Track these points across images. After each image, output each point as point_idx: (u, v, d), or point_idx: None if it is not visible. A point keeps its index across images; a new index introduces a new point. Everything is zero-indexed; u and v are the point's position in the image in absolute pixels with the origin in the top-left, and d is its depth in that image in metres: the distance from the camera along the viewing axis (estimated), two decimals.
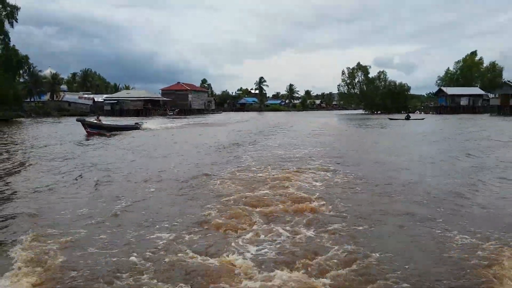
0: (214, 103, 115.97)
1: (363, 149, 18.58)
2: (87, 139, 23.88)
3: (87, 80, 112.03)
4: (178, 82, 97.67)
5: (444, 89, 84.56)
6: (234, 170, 11.61)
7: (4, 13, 48.82)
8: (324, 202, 7.72)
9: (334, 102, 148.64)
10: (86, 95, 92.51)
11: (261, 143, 20.60)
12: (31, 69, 73.45)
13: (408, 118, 48.95)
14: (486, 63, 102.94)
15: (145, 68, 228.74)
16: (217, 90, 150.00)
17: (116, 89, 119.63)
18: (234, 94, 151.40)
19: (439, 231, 6.12)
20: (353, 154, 16.55)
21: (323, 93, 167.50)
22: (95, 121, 28.56)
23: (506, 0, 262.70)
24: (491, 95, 73.88)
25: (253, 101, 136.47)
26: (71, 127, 34.36)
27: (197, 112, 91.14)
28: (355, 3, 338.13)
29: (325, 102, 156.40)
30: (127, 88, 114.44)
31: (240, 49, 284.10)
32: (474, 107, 77.58)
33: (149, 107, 79.87)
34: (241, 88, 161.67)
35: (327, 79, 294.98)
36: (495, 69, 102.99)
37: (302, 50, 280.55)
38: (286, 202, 7.75)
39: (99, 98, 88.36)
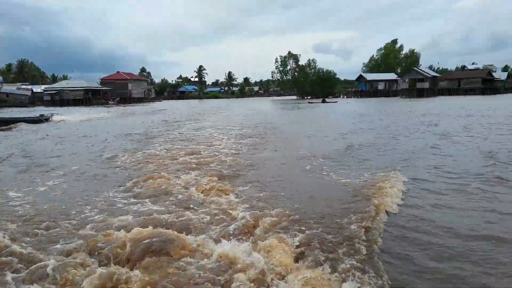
0: (154, 91, 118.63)
1: (273, 122, 24.62)
2: None
3: (24, 71, 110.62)
4: (118, 71, 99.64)
5: (363, 75, 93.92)
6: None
7: None
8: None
9: (272, 89, 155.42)
10: (24, 86, 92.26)
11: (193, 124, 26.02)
12: None
13: (324, 101, 56.75)
14: (406, 50, 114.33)
15: (81, 56, 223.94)
16: (157, 78, 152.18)
17: (54, 79, 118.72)
18: (173, 82, 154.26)
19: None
20: (268, 127, 22.43)
21: (261, 79, 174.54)
22: None
23: None
24: (401, 80, 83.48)
25: (193, 89, 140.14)
26: None
27: (137, 100, 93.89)
28: None
29: (263, 88, 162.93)
30: (65, 78, 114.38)
31: (181, 36, 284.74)
32: (390, 91, 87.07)
33: (89, 97, 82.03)
34: (180, 76, 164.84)
35: (268, 65, 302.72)
36: (413, 56, 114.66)
37: (244, 37, 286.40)
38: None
39: (37, 89, 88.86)
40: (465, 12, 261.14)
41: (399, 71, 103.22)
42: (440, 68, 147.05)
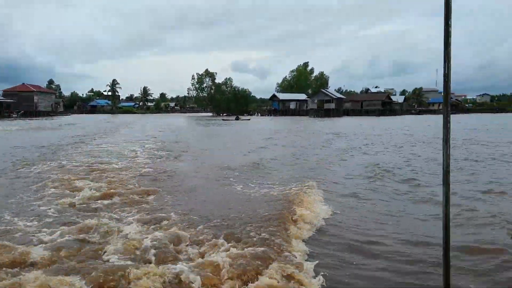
0: (63, 105, 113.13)
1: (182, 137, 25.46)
2: None
3: None
4: (23, 83, 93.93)
5: (276, 94, 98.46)
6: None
7: None
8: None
9: (188, 105, 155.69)
10: None
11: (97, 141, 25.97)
12: None
13: (237, 118, 58.78)
14: (316, 72, 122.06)
15: None
16: (67, 91, 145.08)
17: None
18: (84, 95, 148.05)
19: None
20: (175, 141, 23.18)
21: (178, 96, 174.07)
22: None
23: (345, 16, 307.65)
24: (310, 101, 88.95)
25: (106, 103, 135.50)
26: None
27: (44, 114, 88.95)
28: (216, 8, 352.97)
29: (180, 104, 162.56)
30: None
31: (93, 48, 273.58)
32: (300, 110, 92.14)
33: None
34: (92, 89, 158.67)
35: (186, 82, 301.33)
36: (323, 78, 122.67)
37: (161, 52, 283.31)
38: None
39: None
40: (371, 40, 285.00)
41: (309, 92, 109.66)
42: (348, 90, 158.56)
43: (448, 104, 1.99)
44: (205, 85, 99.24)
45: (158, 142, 22.69)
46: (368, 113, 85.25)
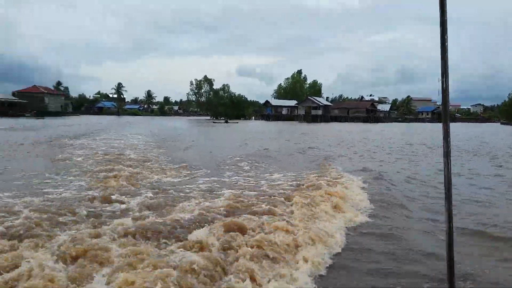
0: (72, 106, 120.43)
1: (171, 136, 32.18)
2: None
3: None
4: (34, 85, 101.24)
5: (270, 100, 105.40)
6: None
7: None
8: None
9: (191, 109, 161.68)
10: None
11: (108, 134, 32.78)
12: None
13: (226, 121, 65.93)
14: (309, 80, 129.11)
15: None
16: (74, 92, 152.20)
17: None
18: (91, 97, 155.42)
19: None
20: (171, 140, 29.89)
21: (181, 99, 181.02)
22: None
23: (345, 23, 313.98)
24: (300, 107, 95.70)
25: (112, 105, 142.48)
26: None
27: (54, 114, 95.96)
28: (219, 12, 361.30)
29: (183, 108, 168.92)
30: None
31: (99, 50, 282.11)
32: (292, 115, 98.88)
33: (5, 109, 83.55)
34: (99, 92, 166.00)
35: (188, 85, 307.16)
36: (316, 86, 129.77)
37: (166, 55, 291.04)
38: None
39: None
40: (377, 46, 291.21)
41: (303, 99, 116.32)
42: (350, 97, 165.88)
43: (448, 117, 1.98)
44: (203, 90, 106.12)
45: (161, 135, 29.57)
46: (353, 119, 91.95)
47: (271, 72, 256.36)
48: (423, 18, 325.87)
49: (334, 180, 10.18)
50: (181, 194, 8.42)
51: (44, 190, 8.48)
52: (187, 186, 9.53)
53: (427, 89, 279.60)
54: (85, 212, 6.44)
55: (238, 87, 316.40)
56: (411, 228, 6.79)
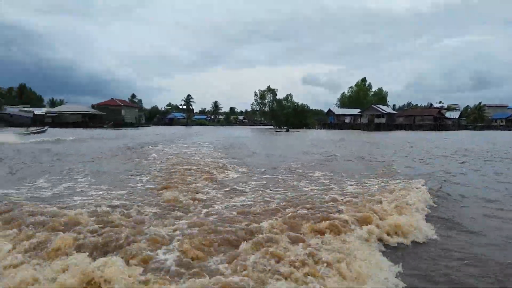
0: (145, 117, 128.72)
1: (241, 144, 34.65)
2: None
3: (24, 94, 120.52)
4: (112, 98, 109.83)
5: (332, 109, 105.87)
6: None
7: None
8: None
9: (256, 118, 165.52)
10: (26, 108, 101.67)
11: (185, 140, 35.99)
12: None
13: (287, 130, 67.86)
14: (375, 88, 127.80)
15: (69, 79, 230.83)
16: (146, 103, 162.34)
17: (53, 103, 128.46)
18: (163, 109, 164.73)
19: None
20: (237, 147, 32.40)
21: (246, 109, 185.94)
22: None
23: (416, 27, 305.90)
24: (364, 115, 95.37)
25: (181, 115, 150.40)
26: None
27: (129, 125, 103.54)
28: (282, 22, 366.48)
29: (247, 118, 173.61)
30: (61, 102, 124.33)
31: (170, 63, 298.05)
32: (354, 124, 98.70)
33: (86, 120, 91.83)
34: (170, 103, 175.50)
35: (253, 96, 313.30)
36: (381, 94, 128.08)
37: (233, 66, 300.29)
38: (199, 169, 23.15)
39: (38, 111, 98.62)
40: (448, 51, 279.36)
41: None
42: (419, 105, 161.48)
43: None
44: (267, 100, 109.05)
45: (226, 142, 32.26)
46: (419, 127, 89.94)
47: (337, 80, 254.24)
48: (497, 20, 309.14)
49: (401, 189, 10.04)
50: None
51: (129, 184, 10.93)
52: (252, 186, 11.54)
53: (504, 95, 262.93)
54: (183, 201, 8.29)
55: (303, 97, 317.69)
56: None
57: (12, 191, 9.46)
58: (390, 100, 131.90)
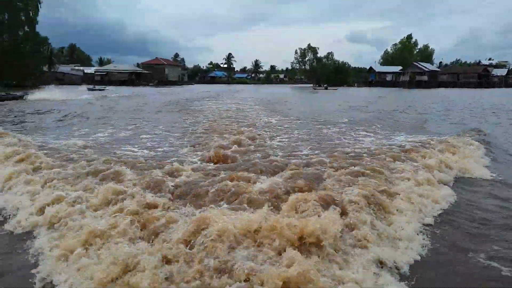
0: (187, 75, 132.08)
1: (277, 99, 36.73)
2: None
3: (74, 54, 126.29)
4: (156, 57, 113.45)
5: (373, 67, 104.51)
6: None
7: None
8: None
9: (297, 77, 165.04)
10: (76, 67, 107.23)
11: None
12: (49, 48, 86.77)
13: (326, 88, 68.86)
14: (421, 45, 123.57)
15: (114, 38, 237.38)
16: (189, 62, 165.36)
17: (101, 62, 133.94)
18: (205, 68, 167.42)
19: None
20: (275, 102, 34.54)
21: (287, 68, 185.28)
22: None
23: None
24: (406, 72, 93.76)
25: (223, 74, 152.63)
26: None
27: (173, 83, 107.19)
28: None
29: (288, 76, 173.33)
30: (109, 62, 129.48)
31: (212, 22, 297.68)
32: (396, 82, 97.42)
33: (133, 78, 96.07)
34: (211, 62, 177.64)
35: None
36: (427, 51, 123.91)
37: (275, 24, 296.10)
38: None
39: (87, 70, 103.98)
40: (506, 6, 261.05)
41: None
42: (468, 62, 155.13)
43: None
44: (307, 58, 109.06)
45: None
46: (463, 85, 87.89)
47: (384, 37, 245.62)
48: None
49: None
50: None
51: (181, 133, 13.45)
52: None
53: None
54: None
55: (346, 54, 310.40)
56: None
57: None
58: (439, 58, 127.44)
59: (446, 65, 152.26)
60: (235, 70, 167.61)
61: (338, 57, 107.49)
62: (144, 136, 12.16)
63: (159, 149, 9.82)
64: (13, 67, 60.61)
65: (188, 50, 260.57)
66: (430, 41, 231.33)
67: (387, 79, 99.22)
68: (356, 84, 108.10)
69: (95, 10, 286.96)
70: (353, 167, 7.03)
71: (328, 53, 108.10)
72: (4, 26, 63.62)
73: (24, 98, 32.85)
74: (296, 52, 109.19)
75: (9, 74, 60.16)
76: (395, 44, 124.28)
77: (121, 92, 45.54)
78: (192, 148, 9.95)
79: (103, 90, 54.50)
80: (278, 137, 11.80)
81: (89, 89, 54.30)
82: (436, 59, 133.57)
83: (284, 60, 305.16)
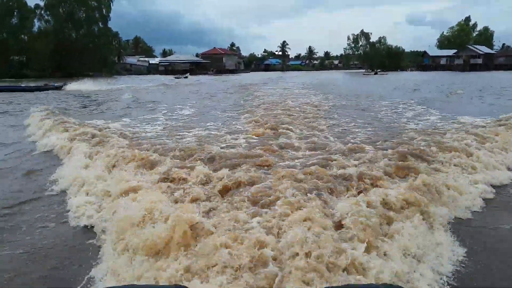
0: (243, 64, 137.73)
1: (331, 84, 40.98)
2: None
3: (138, 46, 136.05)
4: (214, 47, 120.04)
5: (427, 50, 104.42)
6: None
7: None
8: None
9: (351, 62, 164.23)
10: (142, 59, 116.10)
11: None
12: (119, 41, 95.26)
13: (376, 73, 71.76)
14: (480, 27, 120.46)
15: (173, 29, 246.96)
16: (244, 50, 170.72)
17: (164, 53, 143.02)
18: (260, 55, 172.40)
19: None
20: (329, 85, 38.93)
21: (341, 54, 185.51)
22: None
23: None
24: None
25: (277, 62, 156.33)
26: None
27: (230, 72, 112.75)
28: None
29: (342, 62, 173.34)
30: (171, 53, 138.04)
31: (267, 11, 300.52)
32: (450, 65, 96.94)
33: (193, 68, 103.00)
34: (265, 50, 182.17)
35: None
36: (487, 33, 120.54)
37: (331, 8, 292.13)
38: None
39: (152, 61, 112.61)
40: None
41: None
42: None
43: None
44: (360, 44, 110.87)
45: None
46: None
47: (445, 18, 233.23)
48: None
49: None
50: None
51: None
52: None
53: None
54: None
55: (404, 38, 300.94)
56: None
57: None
58: (503, 40, 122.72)
59: (508, 47, 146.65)
60: (290, 57, 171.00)
61: (395, 41, 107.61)
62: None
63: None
64: (93, 60, 69.10)
65: (244, 39, 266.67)
66: (494, 23, 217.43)
67: (441, 63, 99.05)
68: (409, 69, 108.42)
69: (153, 3, 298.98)
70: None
71: (380, 38, 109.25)
72: (81, 22, 72.23)
73: (62, 88, 33.99)
74: (348, 38, 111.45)
75: (88, 66, 68.26)
76: (452, 27, 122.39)
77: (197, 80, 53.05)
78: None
79: (186, 78, 66.37)
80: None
81: (176, 77, 66.79)
82: (501, 41, 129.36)
83: (339, 45, 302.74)
